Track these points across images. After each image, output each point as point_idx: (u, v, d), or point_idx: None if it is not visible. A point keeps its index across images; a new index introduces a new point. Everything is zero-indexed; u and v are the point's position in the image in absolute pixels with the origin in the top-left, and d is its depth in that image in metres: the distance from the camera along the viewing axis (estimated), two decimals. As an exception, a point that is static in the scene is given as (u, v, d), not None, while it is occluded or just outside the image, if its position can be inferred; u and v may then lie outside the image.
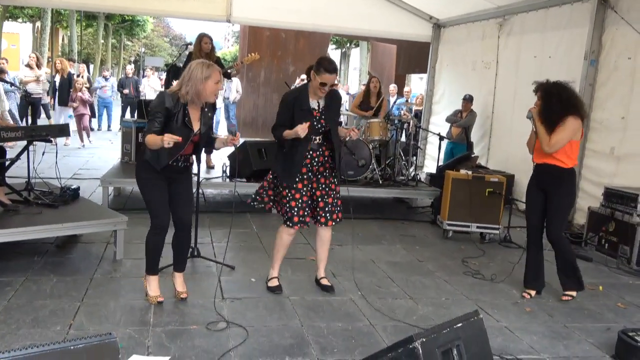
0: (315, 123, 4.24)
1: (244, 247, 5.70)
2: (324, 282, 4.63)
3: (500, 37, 8.95)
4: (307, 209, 4.34)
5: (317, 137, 4.31)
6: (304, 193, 4.30)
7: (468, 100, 9.09)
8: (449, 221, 6.51)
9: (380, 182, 7.69)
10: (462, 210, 6.44)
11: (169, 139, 3.56)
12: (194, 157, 4.13)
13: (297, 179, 4.28)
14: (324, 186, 4.40)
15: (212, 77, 3.76)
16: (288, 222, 4.31)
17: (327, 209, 4.39)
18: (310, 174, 4.33)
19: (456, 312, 4.14)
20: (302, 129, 4.05)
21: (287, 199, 4.29)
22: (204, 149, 4.49)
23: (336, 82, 4.36)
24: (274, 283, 4.55)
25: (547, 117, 4.53)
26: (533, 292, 4.81)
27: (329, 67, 4.14)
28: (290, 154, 4.25)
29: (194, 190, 4.44)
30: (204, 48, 7.31)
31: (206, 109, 3.95)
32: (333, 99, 4.37)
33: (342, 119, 13.68)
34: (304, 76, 15.01)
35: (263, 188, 4.48)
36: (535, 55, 8.10)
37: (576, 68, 7.08)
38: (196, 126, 3.89)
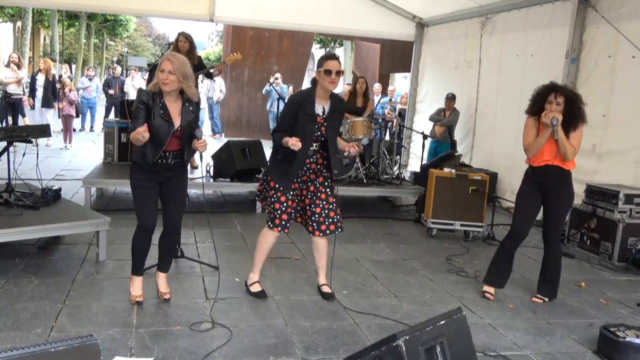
0: (316, 130, 4.18)
1: (228, 248, 5.68)
2: (324, 289, 4.51)
3: (482, 35, 9.01)
4: (291, 214, 4.29)
5: (315, 144, 4.23)
6: (289, 197, 4.23)
7: (451, 99, 9.13)
8: (432, 219, 6.53)
9: (365, 180, 7.71)
10: (446, 209, 6.47)
11: (137, 135, 3.61)
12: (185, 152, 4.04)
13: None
14: (312, 195, 4.30)
15: (160, 66, 3.81)
16: (269, 223, 4.27)
17: (314, 218, 4.29)
18: (299, 179, 4.27)
19: (440, 310, 4.16)
20: (295, 145, 3.97)
21: (272, 200, 4.24)
22: None
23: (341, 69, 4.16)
24: (256, 288, 4.42)
25: (566, 123, 4.40)
26: (493, 290, 4.71)
27: (329, 54, 4.17)
28: (288, 159, 4.15)
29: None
30: (180, 47, 7.16)
31: (187, 104, 3.91)
32: (338, 105, 4.29)
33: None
34: (278, 75, 15.00)
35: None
36: (518, 53, 8.17)
37: (558, 66, 7.16)
38: (177, 121, 3.86)
